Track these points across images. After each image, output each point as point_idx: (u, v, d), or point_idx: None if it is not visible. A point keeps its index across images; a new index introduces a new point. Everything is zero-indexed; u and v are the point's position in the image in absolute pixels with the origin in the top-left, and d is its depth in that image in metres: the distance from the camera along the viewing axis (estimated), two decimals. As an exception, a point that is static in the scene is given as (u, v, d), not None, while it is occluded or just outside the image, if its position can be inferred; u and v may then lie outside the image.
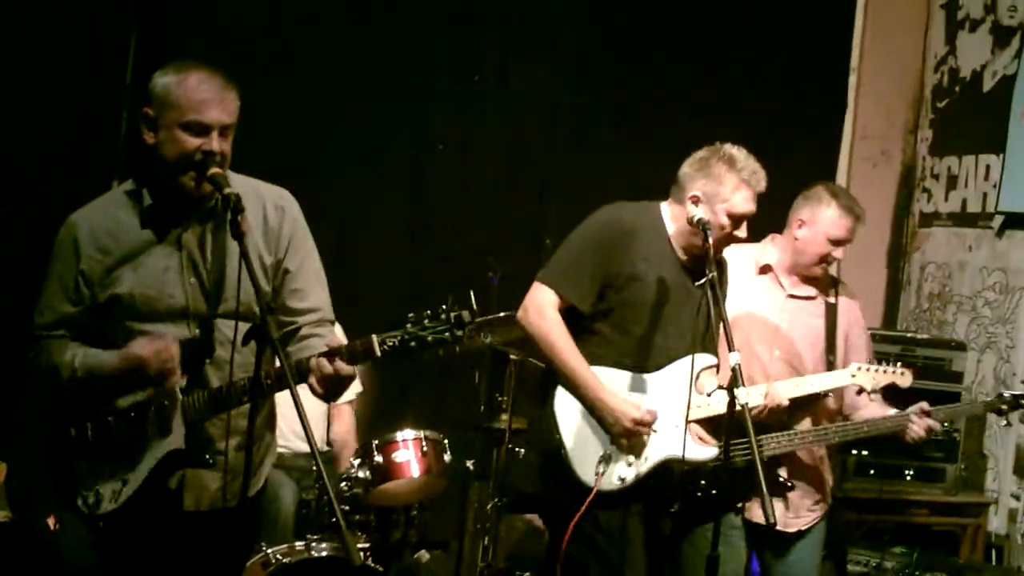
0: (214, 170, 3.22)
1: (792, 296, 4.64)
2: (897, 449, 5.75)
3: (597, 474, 4.07)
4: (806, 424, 4.52)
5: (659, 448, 4.13)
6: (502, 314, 4.99)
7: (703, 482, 4.25)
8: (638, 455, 4.11)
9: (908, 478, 5.85)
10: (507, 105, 6.21)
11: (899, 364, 4.50)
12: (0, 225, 5.30)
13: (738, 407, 3.71)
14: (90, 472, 3.37)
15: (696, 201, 4.11)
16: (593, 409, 4.09)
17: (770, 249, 4.66)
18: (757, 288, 4.59)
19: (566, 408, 4.14)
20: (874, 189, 6.90)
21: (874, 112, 6.95)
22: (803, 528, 4.61)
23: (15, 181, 5.29)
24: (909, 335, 6.18)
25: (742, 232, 4.18)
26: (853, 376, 4.44)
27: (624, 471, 4.11)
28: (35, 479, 3.82)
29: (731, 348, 3.78)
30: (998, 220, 6.25)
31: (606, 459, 4.09)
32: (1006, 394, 4.77)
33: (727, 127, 5.86)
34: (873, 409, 4.65)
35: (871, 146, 6.95)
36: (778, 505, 4.45)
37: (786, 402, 4.35)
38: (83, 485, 3.37)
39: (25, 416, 3.70)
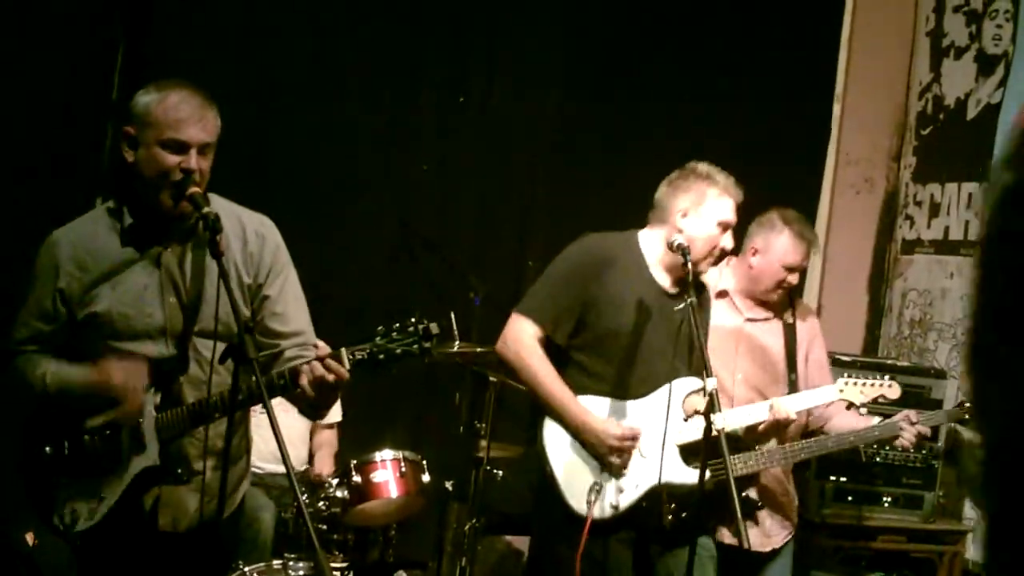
0: (193, 189, 3.25)
1: (749, 320, 4.69)
2: (876, 476, 5.81)
3: (589, 503, 4.08)
4: (772, 443, 4.54)
5: (649, 474, 4.14)
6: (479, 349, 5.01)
7: (673, 505, 4.26)
8: (628, 482, 4.12)
9: (886, 505, 5.85)
10: (491, 126, 6.20)
11: (886, 376, 4.52)
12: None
13: (715, 432, 3.73)
14: (66, 489, 3.38)
15: (685, 214, 4.15)
16: (578, 434, 4.10)
17: (726, 274, 4.71)
18: (715, 313, 4.62)
19: (555, 440, 4.15)
20: (857, 215, 6.93)
21: (858, 138, 6.97)
22: (776, 547, 4.65)
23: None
24: (889, 362, 6.19)
25: (728, 242, 4.22)
26: (841, 391, 4.46)
27: (616, 499, 4.12)
28: (12, 495, 3.80)
29: (708, 373, 3.79)
30: (980, 248, 6.26)
31: (597, 488, 4.09)
32: (967, 403, 4.82)
33: (712, 151, 5.88)
34: (847, 420, 4.68)
35: (854, 172, 6.97)
36: (750, 526, 4.48)
37: (794, 415, 4.38)
38: (59, 502, 3.38)
39: (1, 432, 3.68)
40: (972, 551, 5.99)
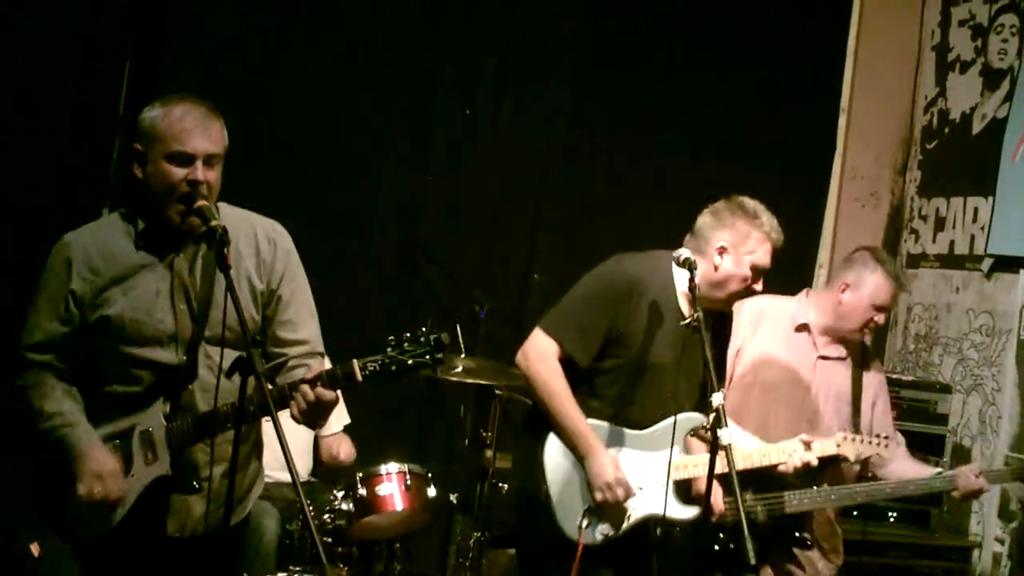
0: (200, 203, 3.25)
1: (823, 357, 4.66)
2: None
3: (580, 527, 4.05)
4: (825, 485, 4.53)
5: (643, 506, 4.11)
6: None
7: (722, 535, 4.24)
8: (620, 513, 4.09)
9: (892, 520, 5.84)
10: (499, 139, 6.22)
11: (884, 437, 4.49)
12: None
13: (721, 446, 3.70)
14: (77, 498, 3.37)
15: (722, 252, 4.09)
16: (583, 460, 4.06)
17: (806, 306, 4.68)
18: (792, 346, 4.62)
19: (556, 457, 4.11)
20: (862, 229, 6.93)
21: (863, 153, 6.98)
22: None
23: (7, 211, 5.28)
24: (894, 376, 6.18)
25: (758, 286, 4.18)
26: (839, 445, 4.42)
27: (606, 528, 4.08)
28: (18, 505, 3.81)
29: (714, 388, 3.76)
30: (987, 263, 6.27)
31: (590, 513, 4.06)
32: None
33: (718, 167, 5.92)
34: (906, 466, 4.66)
35: (860, 186, 6.98)
36: (795, 569, 4.49)
37: (815, 461, 4.33)
38: (70, 511, 3.37)
39: (10, 440, 3.70)
40: (978, 567, 5.98)
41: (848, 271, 4.63)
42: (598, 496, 4.02)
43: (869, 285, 4.57)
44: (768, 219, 4.13)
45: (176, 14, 5.59)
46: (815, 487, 4.47)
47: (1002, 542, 5.97)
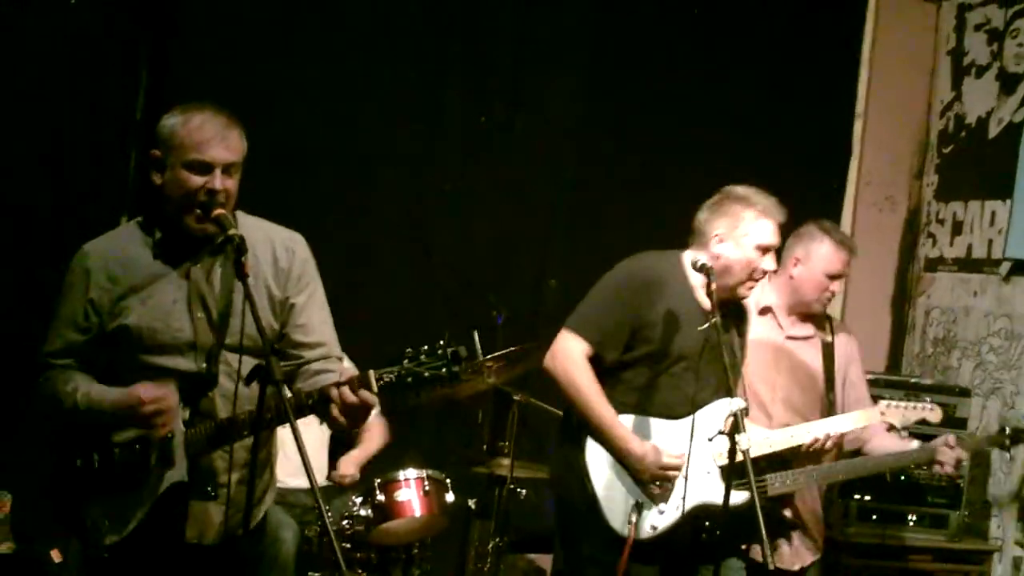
0: (218, 211, 3.27)
1: (791, 337, 4.68)
2: (901, 494, 5.79)
3: (630, 523, 4.08)
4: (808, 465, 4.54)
5: (692, 495, 4.14)
6: (512, 349, 5.01)
7: (707, 523, 4.26)
8: (670, 502, 4.12)
9: (911, 524, 5.83)
10: (513, 146, 6.23)
11: (928, 399, 4.52)
12: (9, 261, 5.32)
13: (739, 453, 3.73)
14: (95, 502, 3.39)
15: (720, 240, 4.14)
16: (622, 457, 4.10)
17: (767, 290, 4.70)
18: (757, 329, 4.61)
19: (597, 459, 4.14)
20: (879, 234, 6.92)
21: (880, 157, 6.97)
22: (804, 566, 4.65)
23: (24, 217, 5.32)
24: (913, 380, 6.17)
25: (770, 264, 4.21)
26: (883, 413, 4.45)
27: (656, 519, 4.12)
28: (39, 510, 3.83)
29: (734, 393, 3.79)
30: (1005, 266, 6.25)
31: (638, 508, 4.09)
32: (1007, 429, 4.84)
33: (733, 172, 5.90)
34: (885, 441, 4.67)
35: (876, 191, 6.96)
36: (782, 545, 4.49)
37: (838, 439, 4.40)
38: (88, 516, 3.39)
39: (31, 446, 3.72)
40: (998, 571, 5.96)
41: (797, 246, 4.67)
42: (645, 478, 4.07)
43: (819, 255, 4.60)
44: (761, 198, 4.19)
45: (190, 23, 5.62)
46: (794, 469, 4.48)
47: (1022, 545, 5.95)
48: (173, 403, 3.30)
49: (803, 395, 4.65)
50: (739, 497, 4.10)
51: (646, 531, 4.11)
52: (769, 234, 4.17)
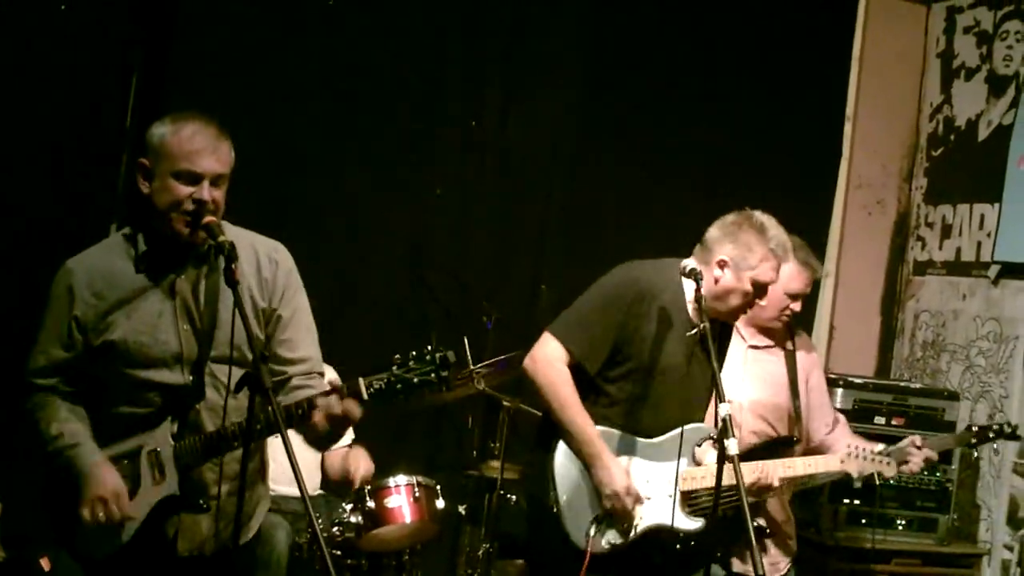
0: (208, 219, 3.27)
1: (753, 347, 4.73)
2: (889, 498, 5.80)
3: (588, 536, 4.06)
4: None
5: (650, 516, 4.11)
6: (501, 358, 5.01)
7: (682, 535, 4.25)
8: (629, 521, 4.09)
9: (900, 528, 5.85)
10: (506, 151, 6.22)
11: (886, 452, 4.54)
12: (0, 266, 5.31)
13: (728, 458, 3.72)
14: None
15: (723, 266, 4.09)
16: (590, 467, 4.07)
17: None
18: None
19: (565, 465, 4.11)
20: (869, 237, 6.95)
21: (869, 160, 6.98)
22: (782, 574, 4.67)
23: (15, 224, 5.30)
24: (902, 384, 6.19)
25: (763, 301, 4.21)
26: (842, 462, 4.47)
27: (613, 536, 4.09)
28: (29, 518, 3.83)
29: (722, 399, 3.78)
30: (994, 269, 6.27)
31: (598, 521, 4.07)
32: (975, 427, 4.89)
33: (724, 175, 5.92)
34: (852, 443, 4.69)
35: (866, 194, 6.98)
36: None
37: (776, 483, 4.35)
38: (80, 529, 3.37)
39: (22, 454, 3.71)
40: (987, 574, 5.98)
41: None
42: (607, 504, 4.03)
43: (781, 275, 4.60)
44: (775, 235, 4.11)
45: (183, 30, 5.59)
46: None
47: (1011, 549, 5.97)
48: (116, 512, 3.29)
49: (769, 402, 4.70)
50: (695, 524, 4.14)
51: (602, 546, 4.07)
52: (771, 273, 4.12)
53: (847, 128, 6.94)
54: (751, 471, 4.26)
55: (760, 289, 4.12)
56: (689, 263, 4.09)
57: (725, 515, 4.07)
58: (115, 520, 3.30)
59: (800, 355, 4.82)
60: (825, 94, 6.86)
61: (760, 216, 4.15)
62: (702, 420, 4.22)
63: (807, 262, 4.69)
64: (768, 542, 4.64)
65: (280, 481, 4.91)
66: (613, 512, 4.05)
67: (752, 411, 4.64)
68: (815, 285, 5.08)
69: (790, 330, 4.85)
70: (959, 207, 6.63)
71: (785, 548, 4.73)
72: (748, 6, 6.63)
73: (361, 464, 5.19)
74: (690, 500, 4.17)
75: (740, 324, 4.67)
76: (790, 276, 4.59)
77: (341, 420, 3.23)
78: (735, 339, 4.64)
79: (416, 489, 4.91)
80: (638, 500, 4.04)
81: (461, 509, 5.35)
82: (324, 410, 3.22)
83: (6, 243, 5.30)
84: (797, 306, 4.71)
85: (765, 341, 4.77)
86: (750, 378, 4.67)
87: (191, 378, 3.37)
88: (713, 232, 4.18)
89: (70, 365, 3.40)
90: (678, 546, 4.19)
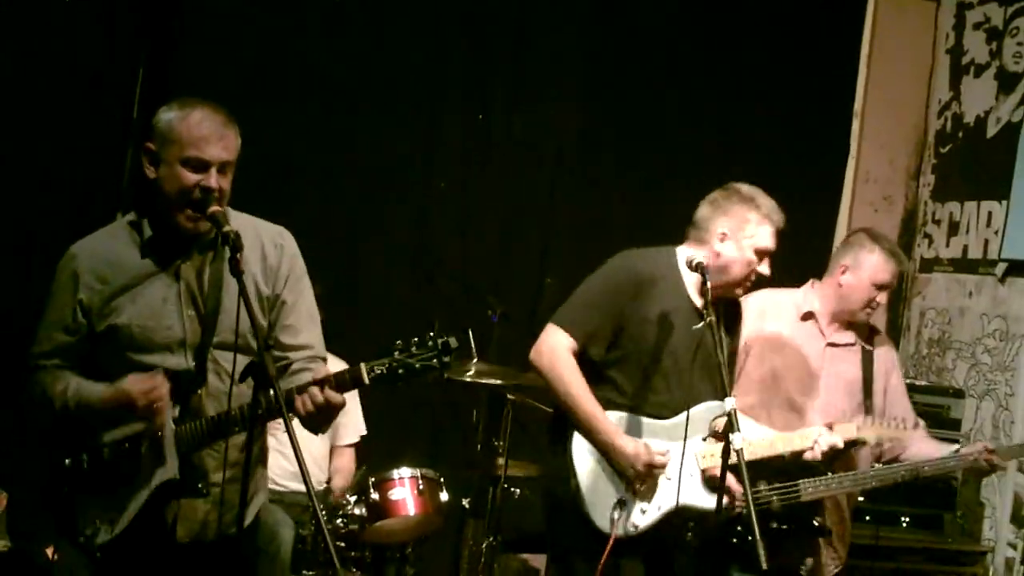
0: (213, 208, 3.27)
1: (831, 344, 4.65)
2: (894, 495, 5.78)
3: (612, 520, 4.07)
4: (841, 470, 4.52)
5: (671, 496, 4.12)
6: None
7: (739, 528, 4.23)
8: (651, 502, 4.11)
9: (904, 525, 5.84)
10: (511, 144, 6.22)
11: (902, 419, 4.50)
12: (4, 256, 5.31)
13: (733, 453, 3.71)
14: (86, 502, 3.39)
15: (723, 238, 4.12)
16: (607, 453, 4.08)
17: (811, 295, 4.68)
18: (799, 335, 4.62)
19: (582, 453, 4.12)
20: (875, 233, 6.92)
21: (877, 157, 6.97)
22: None
23: (21, 212, 5.31)
24: (908, 381, 6.14)
25: (765, 269, 4.19)
26: (859, 428, 4.40)
27: (638, 518, 4.10)
28: (35, 508, 3.83)
29: (727, 393, 3.77)
30: (1001, 267, 6.26)
31: (620, 505, 4.08)
32: None
33: (730, 171, 5.89)
34: (923, 448, 4.64)
35: (873, 190, 6.97)
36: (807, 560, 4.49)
37: (841, 443, 4.31)
38: (80, 515, 3.39)
39: (25, 445, 3.71)
40: (991, 572, 5.97)
41: (846, 253, 4.65)
42: (630, 475, 4.04)
43: (867, 265, 4.57)
44: (765, 201, 4.17)
45: (188, 24, 5.61)
46: (830, 473, 4.45)
47: (1015, 547, 5.95)
48: (164, 392, 3.29)
49: (841, 402, 4.61)
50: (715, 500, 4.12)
51: (628, 529, 4.08)
52: (770, 239, 4.15)
53: (855, 124, 6.92)
54: (801, 439, 4.26)
55: (761, 256, 4.15)
56: (694, 256, 4.09)
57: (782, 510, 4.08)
58: (162, 392, 3.27)
59: (878, 356, 4.71)
60: (833, 90, 6.86)
61: (746, 187, 4.22)
62: (711, 399, 4.21)
63: (894, 252, 4.61)
64: (820, 543, 4.59)
65: (286, 476, 4.93)
66: (639, 484, 4.06)
67: (822, 410, 4.55)
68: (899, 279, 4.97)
69: (871, 329, 4.78)
70: (966, 204, 6.61)
71: (835, 553, 4.67)
72: (757, 2, 6.62)
73: (337, 479, 5.27)
74: (711, 478, 4.16)
75: (822, 319, 4.64)
76: (877, 267, 4.55)
77: (323, 408, 3.23)
78: (814, 334, 4.62)
79: (420, 482, 4.92)
80: (661, 464, 4.05)
81: (465, 502, 5.34)
82: (306, 399, 3.22)
83: (12, 234, 5.31)
84: (883, 298, 4.62)
85: (845, 339, 4.67)
86: (824, 376, 4.61)
87: (193, 363, 3.37)
88: (703, 211, 4.23)
89: (74, 349, 3.41)
90: (734, 539, 4.20)
